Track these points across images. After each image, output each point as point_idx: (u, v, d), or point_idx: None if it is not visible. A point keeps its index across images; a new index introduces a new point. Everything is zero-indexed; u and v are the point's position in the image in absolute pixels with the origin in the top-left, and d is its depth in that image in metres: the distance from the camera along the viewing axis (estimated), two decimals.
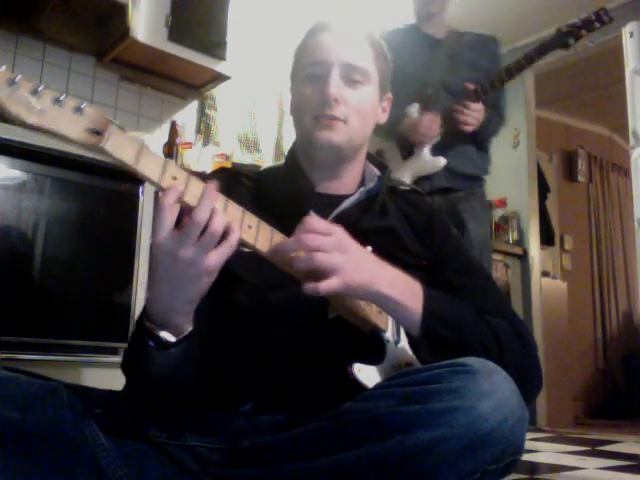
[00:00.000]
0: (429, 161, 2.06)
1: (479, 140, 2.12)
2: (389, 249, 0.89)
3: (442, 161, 2.05)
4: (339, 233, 0.74)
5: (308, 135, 0.95)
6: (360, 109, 0.95)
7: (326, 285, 0.70)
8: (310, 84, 0.95)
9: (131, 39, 2.48)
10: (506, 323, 0.89)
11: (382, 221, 0.97)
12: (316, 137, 0.94)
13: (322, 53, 0.94)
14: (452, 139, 2.06)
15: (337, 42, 0.95)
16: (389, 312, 0.82)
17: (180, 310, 0.72)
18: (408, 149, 2.08)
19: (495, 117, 2.12)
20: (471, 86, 1.98)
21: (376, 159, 1.06)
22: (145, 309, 0.74)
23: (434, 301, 0.82)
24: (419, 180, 2.08)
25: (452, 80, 2.10)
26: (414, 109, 2.07)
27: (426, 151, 2.06)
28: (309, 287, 0.70)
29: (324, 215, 0.93)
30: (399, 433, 0.63)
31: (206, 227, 0.66)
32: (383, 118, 1.05)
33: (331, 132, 0.93)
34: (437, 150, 2.06)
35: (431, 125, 2.02)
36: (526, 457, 2.05)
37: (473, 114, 1.97)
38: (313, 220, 0.73)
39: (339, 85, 0.93)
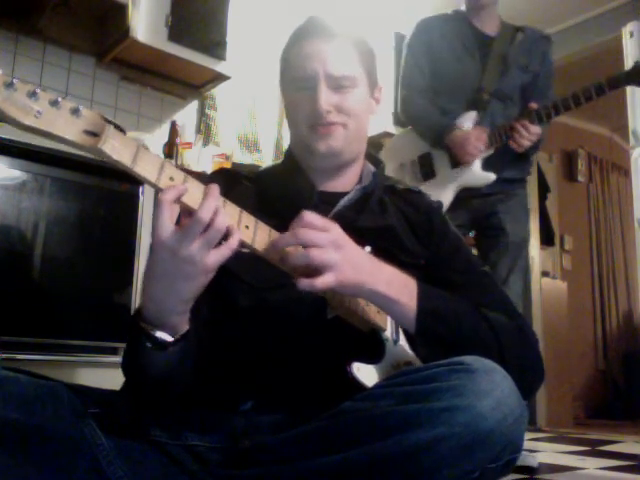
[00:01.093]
0: (479, 176, 1.99)
1: (523, 156, 2.04)
2: (387, 248, 0.90)
3: (492, 176, 1.98)
4: (335, 230, 0.74)
5: (306, 142, 0.95)
6: (353, 112, 0.94)
7: (321, 281, 0.70)
8: (300, 96, 0.95)
9: (131, 39, 2.48)
10: (506, 318, 0.89)
11: (380, 220, 0.97)
12: (315, 147, 0.94)
13: (307, 67, 0.93)
14: (497, 152, 1.99)
15: (320, 52, 0.93)
16: (385, 310, 0.82)
17: (175, 310, 0.72)
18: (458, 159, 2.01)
19: (545, 130, 2.01)
20: (534, 106, 1.87)
21: (372, 156, 1.06)
22: (139, 310, 0.74)
23: (429, 298, 0.82)
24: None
25: (503, 86, 2.03)
26: (470, 118, 1.99)
27: (477, 164, 1.98)
28: (304, 283, 0.70)
29: (323, 214, 0.93)
30: (398, 432, 0.63)
31: (209, 225, 0.66)
32: (377, 109, 1.04)
33: (330, 139, 0.93)
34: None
35: (478, 145, 1.93)
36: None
37: (531, 137, 1.88)
38: (310, 215, 0.73)
39: (328, 96, 0.92)
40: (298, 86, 0.95)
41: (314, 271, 0.71)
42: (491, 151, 1.98)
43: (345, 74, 0.93)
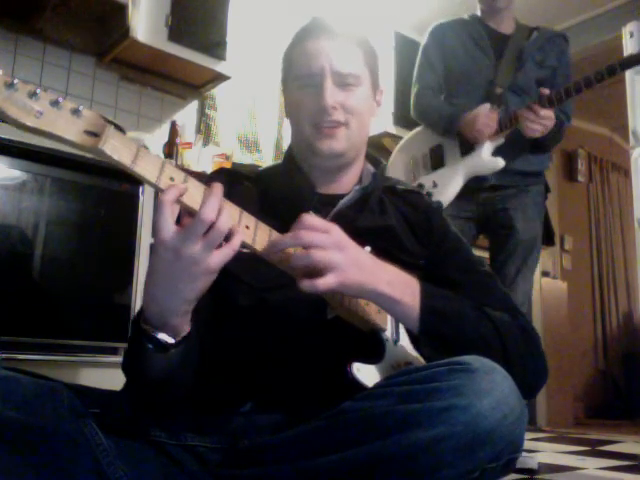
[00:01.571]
0: (488, 161, 1.95)
1: (540, 147, 2.00)
2: (387, 248, 0.89)
3: (501, 162, 1.94)
4: (337, 231, 0.74)
5: (308, 142, 0.96)
6: (357, 110, 0.95)
7: (323, 282, 0.70)
8: (305, 94, 0.95)
9: (131, 39, 2.48)
10: (508, 316, 0.89)
11: (380, 220, 0.97)
12: (318, 147, 0.94)
13: (312, 64, 0.94)
14: (510, 141, 1.96)
15: (325, 50, 0.94)
16: (387, 310, 0.82)
17: (178, 310, 0.72)
18: (468, 146, 1.99)
19: (564, 122, 2.00)
20: (546, 91, 1.84)
21: (372, 156, 1.07)
22: (141, 311, 0.74)
23: (432, 297, 0.82)
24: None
25: (518, 80, 2.02)
26: (485, 109, 1.96)
27: (486, 150, 1.95)
28: (306, 284, 0.70)
29: (323, 215, 0.93)
30: (398, 432, 0.63)
31: (212, 225, 0.66)
32: (378, 112, 1.04)
33: (333, 140, 0.93)
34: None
35: (488, 122, 1.91)
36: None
37: (543, 122, 1.84)
38: (310, 218, 0.73)
39: (334, 93, 0.93)
40: (302, 83, 0.96)
41: (315, 272, 0.71)
42: (502, 140, 1.96)
43: (351, 72, 0.94)
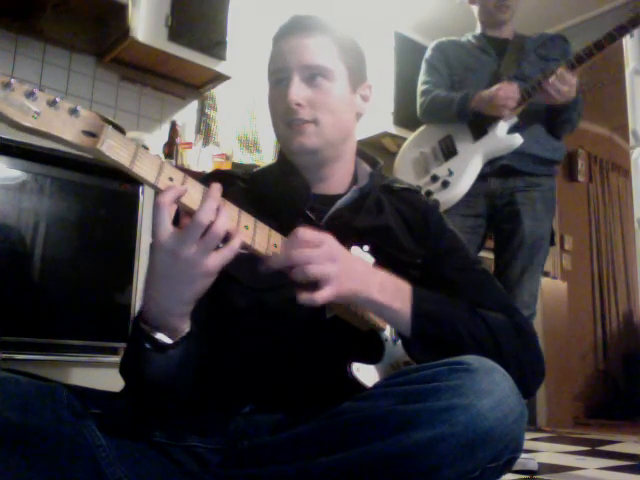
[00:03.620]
0: (505, 139, 1.93)
1: (554, 122, 1.98)
2: (384, 248, 0.89)
3: (518, 138, 1.90)
4: (329, 242, 0.75)
5: (284, 141, 0.96)
6: (328, 106, 0.93)
7: (321, 295, 0.71)
8: (276, 91, 0.96)
9: (131, 39, 2.48)
10: (503, 316, 0.88)
11: (377, 220, 0.97)
12: (291, 144, 0.94)
13: (282, 59, 0.94)
14: (523, 118, 1.95)
15: (295, 45, 0.93)
16: (380, 315, 0.82)
17: (176, 312, 0.71)
18: (481, 129, 1.97)
19: (578, 106, 2.00)
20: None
21: (367, 155, 1.06)
22: (141, 311, 0.74)
23: (423, 301, 0.82)
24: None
25: (524, 69, 2.02)
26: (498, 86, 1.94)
27: (501, 129, 1.93)
28: (305, 298, 0.71)
29: (319, 215, 0.93)
30: (398, 432, 0.63)
31: (209, 227, 0.66)
32: (365, 108, 1.02)
33: (303, 137, 0.92)
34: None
35: (509, 93, 1.87)
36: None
37: (561, 86, 1.81)
38: (303, 232, 0.73)
39: (300, 88, 0.91)
40: (274, 79, 0.96)
41: (312, 284, 0.72)
42: (515, 118, 1.94)
43: (320, 64, 0.92)
